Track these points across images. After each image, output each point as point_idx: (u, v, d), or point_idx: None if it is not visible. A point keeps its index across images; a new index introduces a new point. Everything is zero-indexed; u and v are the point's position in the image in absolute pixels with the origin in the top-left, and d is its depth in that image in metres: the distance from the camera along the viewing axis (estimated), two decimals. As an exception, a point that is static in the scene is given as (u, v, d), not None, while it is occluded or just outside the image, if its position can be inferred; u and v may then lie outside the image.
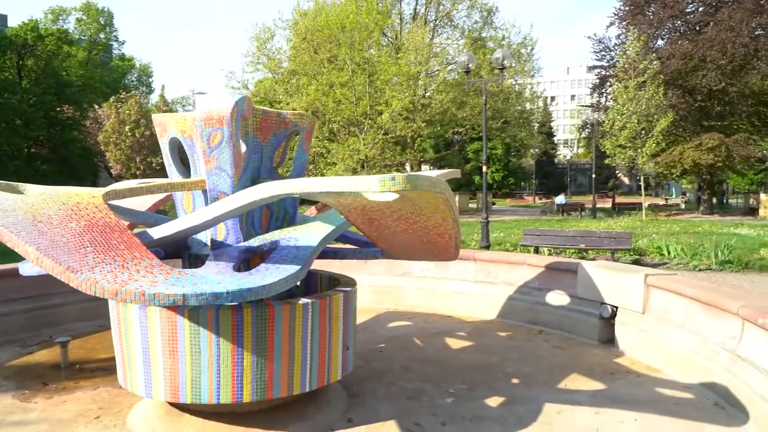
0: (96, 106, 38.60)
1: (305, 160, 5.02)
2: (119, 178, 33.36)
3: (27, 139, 42.75)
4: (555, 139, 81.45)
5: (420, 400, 4.97)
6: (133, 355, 4.16)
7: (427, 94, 32.06)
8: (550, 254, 13.69)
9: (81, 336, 6.95)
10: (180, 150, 4.94)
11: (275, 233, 4.50)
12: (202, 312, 3.89)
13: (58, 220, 3.65)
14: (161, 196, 5.62)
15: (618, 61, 33.87)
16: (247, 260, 4.42)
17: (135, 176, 31.94)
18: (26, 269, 4.68)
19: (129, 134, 32.17)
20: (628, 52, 30.87)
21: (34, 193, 3.98)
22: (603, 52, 38.97)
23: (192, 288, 3.39)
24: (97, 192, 4.20)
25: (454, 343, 6.70)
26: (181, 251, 4.80)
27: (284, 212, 4.85)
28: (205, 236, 4.84)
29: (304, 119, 4.95)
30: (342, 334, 4.49)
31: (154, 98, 60.20)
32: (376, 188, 3.01)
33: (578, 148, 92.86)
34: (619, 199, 47.52)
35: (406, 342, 6.76)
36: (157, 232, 4.10)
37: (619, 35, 37.72)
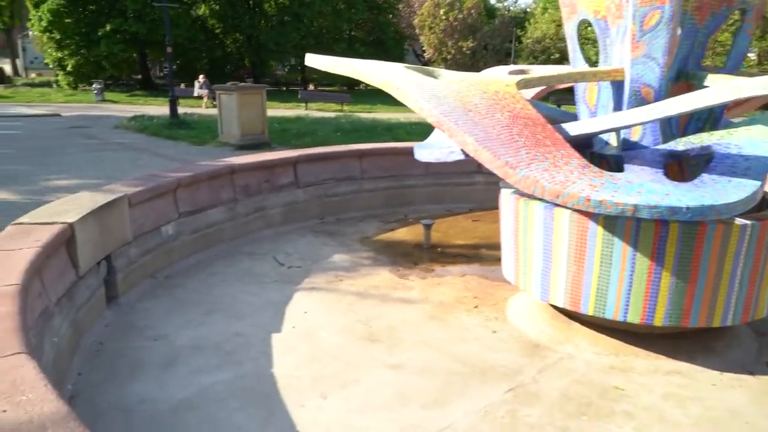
0: (408, -11, 39.79)
1: (747, 46, 4.07)
2: (429, 62, 34.46)
3: (349, 21, 46.41)
4: None
5: None
6: (531, 255, 3.96)
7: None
8: None
9: (433, 218, 7.22)
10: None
11: (703, 136, 3.76)
12: (620, 221, 3.45)
13: (484, 110, 3.45)
14: (540, 88, 5.21)
15: None
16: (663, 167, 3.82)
17: (445, 61, 32.69)
18: (423, 155, 4.71)
19: (443, 18, 32.65)
20: None
21: (452, 79, 3.85)
22: None
23: (640, 198, 2.94)
24: (509, 80, 3.93)
25: None
26: (582, 149, 4.38)
27: (709, 112, 4.05)
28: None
29: (755, -6, 3.95)
30: (776, 266, 3.70)
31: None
32: None
33: None
34: None
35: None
36: (577, 127, 3.70)
37: None
